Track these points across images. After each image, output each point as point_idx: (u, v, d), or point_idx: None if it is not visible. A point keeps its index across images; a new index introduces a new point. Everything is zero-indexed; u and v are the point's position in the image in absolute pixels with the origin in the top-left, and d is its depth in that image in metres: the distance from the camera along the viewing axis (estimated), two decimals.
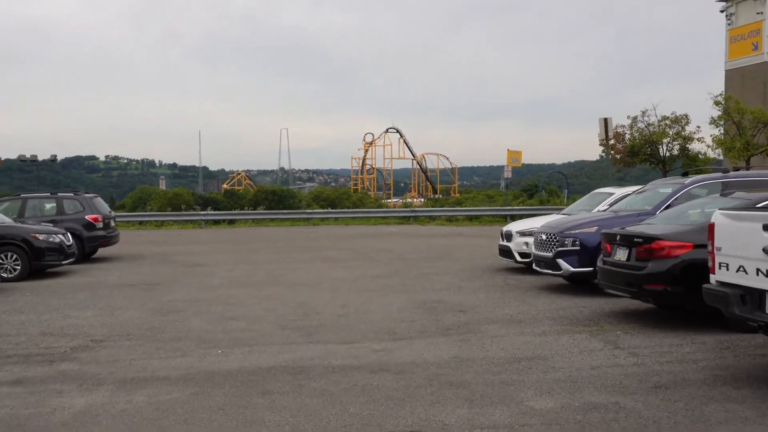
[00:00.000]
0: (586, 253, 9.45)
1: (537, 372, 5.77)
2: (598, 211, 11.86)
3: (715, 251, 5.41)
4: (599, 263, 8.19)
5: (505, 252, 12.78)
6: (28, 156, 51.50)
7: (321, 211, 31.37)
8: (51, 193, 16.14)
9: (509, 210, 28.70)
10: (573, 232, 9.65)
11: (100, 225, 15.83)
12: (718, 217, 5.44)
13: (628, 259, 7.41)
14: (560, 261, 9.65)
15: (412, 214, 29.34)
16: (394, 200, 61.41)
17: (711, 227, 5.48)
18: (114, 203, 78.96)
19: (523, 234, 12.33)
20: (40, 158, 55.74)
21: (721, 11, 34.38)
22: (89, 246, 15.67)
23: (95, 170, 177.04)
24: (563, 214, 13.11)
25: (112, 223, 16.67)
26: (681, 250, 6.83)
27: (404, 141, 75.34)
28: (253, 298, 10.17)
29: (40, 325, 8.39)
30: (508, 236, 12.68)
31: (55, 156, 54.12)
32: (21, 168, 55.70)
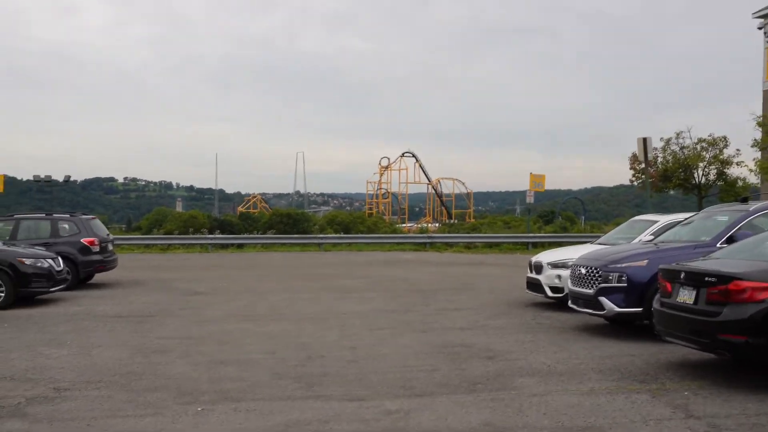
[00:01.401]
0: (635, 290, 8.18)
1: None
2: (641, 241, 10.60)
3: None
4: (656, 305, 6.92)
5: (534, 286, 11.51)
6: (42, 176, 51.20)
7: (333, 236, 30.20)
8: (45, 214, 15.13)
9: (531, 237, 27.38)
10: (619, 266, 8.38)
11: (97, 249, 14.78)
12: None
13: (696, 302, 6.14)
14: (603, 299, 8.37)
15: (429, 240, 28.11)
16: (409, 225, 60.30)
17: None
18: (131, 224, 78.84)
19: (555, 266, 11.07)
20: (59, 179, 55.56)
21: (759, 28, 32.83)
22: (84, 271, 14.61)
23: (114, 192, 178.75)
24: (599, 244, 11.85)
25: (110, 247, 15.63)
26: (767, 293, 5.56)
27: (420, 165, 74.69)
28: (250, 336, 8.98)
29: (3, 366, 7.26)
30: (538, 268, 11.42)
31: (69, 177, 53.51)
32: (40, 189, 55.49)
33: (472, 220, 64.03)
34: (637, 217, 12.53)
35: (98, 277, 16.20)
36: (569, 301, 9.39)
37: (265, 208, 75.20)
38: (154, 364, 7.35)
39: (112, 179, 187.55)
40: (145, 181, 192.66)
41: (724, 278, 5.85)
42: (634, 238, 11.18)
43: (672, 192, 27.00)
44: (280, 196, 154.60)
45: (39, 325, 9.94)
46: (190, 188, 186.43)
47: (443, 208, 76.48)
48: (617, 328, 9.17)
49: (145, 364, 7.38)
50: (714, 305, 5.90)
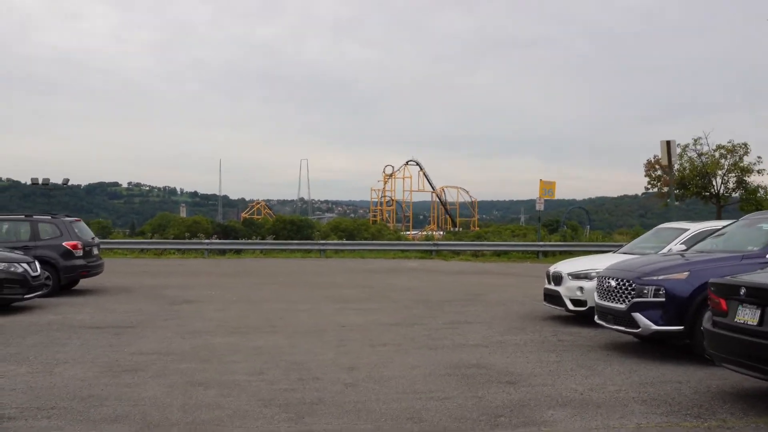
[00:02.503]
0: (674, 306, 7.15)
1: None
2: (671, 251, 9.58)
3: None
4: (707, 324, 5.90)
5: (553, 298, 10.48)
6: (40, 180, 50.35)
7: (335, 242, 29.21)
8: (25, 216, 14.16)
9: (541, 246, 26.33)
10: (655, 278, 7.35)
11: (80, 253, 13.81)
12: None
13: (762, 322, 5.13)
14: (638, 316, 7.35)
15: (435, 248, 27.08)
16: (413, 233, 59.37)
17: None
18: (135, 229, 78.09)
19: (576, 277, 10.05)
20: (58, 183, 54.69)
21: None
22: (66, 276, 13.63)
23: (117, 197, 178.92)
24: (623, 253, 10.82)
25: (95, 251, 14.65)
26: None
27: (424, 173, 73.94)
28: (237, 352, 7.98)
29: None
30: (557, 279, 10.40)
31: (68, 180, 52.73)
32: (44, 193, 54.85)
33: (477, 228, 63.09)
34: (663, 225, 11.49)
35: (83, 283, 15.24)
36: (596, 317, 8.37)
37: (269, 215, 74.55)
38: (121, 386, 6.35)
39: (116, 184, 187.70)
40: (149, 186, 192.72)
41: None
42: (662, 248, 10.15)
43: (675, 202, 25.77)
44: (284, 202, 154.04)
45: (4, 337, 8.95)
46: (194, 194, 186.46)
47: (447, 216, 75.63)
48: (650, 347, 8.15)
49: (112, 385, 6.38)
50: None
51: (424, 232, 54.57)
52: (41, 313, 11.13)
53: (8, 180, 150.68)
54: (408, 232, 58.09)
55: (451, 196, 77.80)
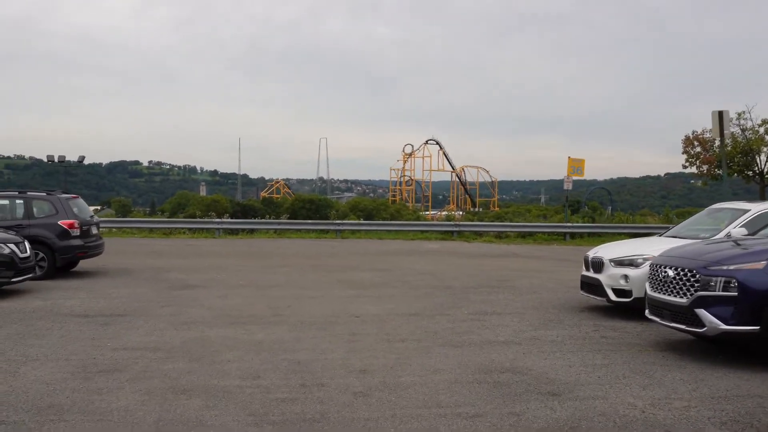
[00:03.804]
0: (749, 301, 5.98)
1: None
2: (732, 235, 8.37)
3: None
4: None
5: (592, 287, 9.33)
6: (56, 157, 49.84)
7: (352, 222, 28.14)
8: (19, 192, 13.23)
9: (568, 227, 25.02)
10: (726, 267, 6.17)
11: (77, 232, 12.89)
12: None
13: None
14: (703, 313, 6.19)
15: (456, 229, 25.89)
16: (432, 212, 58.25)
17: None
18: (154, 208, 78.00)
19: (620, 264, 8.87)
20: (78, 161, 54.24)
21: None
22: (61, 258, 12.73)
23: (138, 175, 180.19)
24: (670, 237, 9.63)
25: (95, 231, 13.72)
26: None
27: (444, 153, 72.82)
28: (233, 349, 6.97)
29: None
30: (597, 265, 9.23)
31: (83, 157, 52.26)
32: (67, 171, 54.60)
33: (497, 209, 61.80)
34: (718, 205, 10.23)
35: (84, 264, 14.37)
36: (647, 311, 7.22)
37: (288, 194, 73.92)
38: (91, 393, 5.37)
39: (137, 162, 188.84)
40: (170, 165, 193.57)
41: None
42: (718, 231, 8.95)
43: (727, 177, 24.02)
44: (303, 182, 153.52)
45: None
46: (214, 173, 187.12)
47: (467, 196, 74.40)
48: (710, 346, 6.99)
49: (81, 391, 5.40)
50: None
51: (444, 212, 53.33)
52: (28, 299, 10.24)
53: (31, 158, 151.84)
54: (427, 212, 56.98)
55: (471, 176, 76.64)
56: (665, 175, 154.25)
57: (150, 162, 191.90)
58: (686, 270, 6.45)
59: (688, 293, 6.37)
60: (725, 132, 14.09)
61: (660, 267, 6.90)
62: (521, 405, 5.05)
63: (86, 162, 61.56)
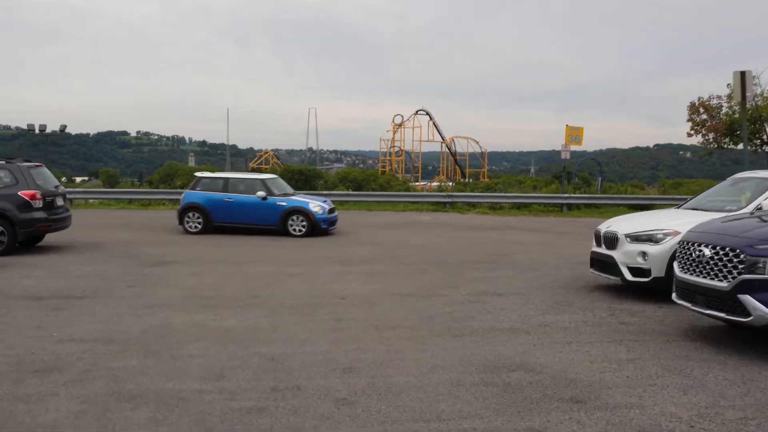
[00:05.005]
0: None
1: None
2: (764, 207, 7.46)
3: None
4: None
5: (604, 264, 8.40)
6: (36, 127, 48.20)
7: (339, 192, 27.09)
8: None
9: (565, 198, 24.09)
10: None
11: (39, 204, 11.81)
12: None
13: None
14: (747, 299, 5.27)
15: (449, 200, 24.90)
16: (422, 183, 57.24)
17: None
18: (142, 178, 76.51)
19: (637, 239, 7.94)
20: (59, 131, 52.53)
21: None
22: (22, 231, 11.65)
23: (126, 146, 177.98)
24: (690, 209, 8.70)
25: (60, 202, 12.63)
26: None
27: (434, 123, 71.53)
28: (199, 339, 6.01)
29: None
30: (611, 241, 8.30)
31: (65, 126, 50.51)
32: (54, 141, 52.99)
33: (487, 179, 60.86)
34: (742, 174, 9.27)
35: (51, 238, 13.31)
36: (674, 295, 6.30)
37: (277, 165, 72.65)
38: (17, 401, 4.40)
39: (124, 133, 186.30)
40: (158, 135, 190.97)
41: None
42: (749, 202, 8.02)
43: (736, 147, 23.02)
44: (292, 152, 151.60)
45: None
46: (203, 143, 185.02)
47: (457, 167, 73.39)
48: (746, 334, 6.11)
49: (5, 399, 4.44)
50: None
51: (434, 183, 52.33)
52: None
53: (17, 128, 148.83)
54: (417, 183, 55.97)
55: (461, 147, 75.48)
56: (655, 146, 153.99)
57: (138, 132, 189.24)
58: (727, 249, 5.51)
59: (729, 276, 5.45)
60: (749, 93, 13.05)
61: (693, 245, 5.96)
62: (540, 417, 4.13)
63: (74, 132, 60.08)
